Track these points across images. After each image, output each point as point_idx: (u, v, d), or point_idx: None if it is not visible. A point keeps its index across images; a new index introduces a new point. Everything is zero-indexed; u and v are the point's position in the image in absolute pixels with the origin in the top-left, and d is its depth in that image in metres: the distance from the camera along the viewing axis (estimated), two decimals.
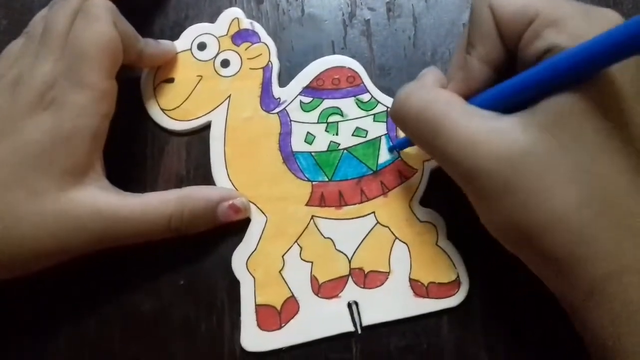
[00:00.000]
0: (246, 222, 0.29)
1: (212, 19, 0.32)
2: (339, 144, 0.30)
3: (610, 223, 0.20)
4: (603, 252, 0.20)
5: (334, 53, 0.32)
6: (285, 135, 0.30)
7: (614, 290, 0.19)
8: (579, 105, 0.20)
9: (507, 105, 0.22)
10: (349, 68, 0.31)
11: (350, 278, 0.29)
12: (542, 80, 0.20)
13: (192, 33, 0.32)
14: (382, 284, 0.28)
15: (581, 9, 0.21)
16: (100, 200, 0.26)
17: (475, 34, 0.23)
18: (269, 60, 0.31)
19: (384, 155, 0.30)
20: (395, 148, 0.30)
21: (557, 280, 0.22)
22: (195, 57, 0.31)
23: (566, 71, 0.19)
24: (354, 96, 0.31)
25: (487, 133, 0.21)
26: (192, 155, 0.31)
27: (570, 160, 0.20)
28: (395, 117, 0.25)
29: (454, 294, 0.28)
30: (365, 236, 0.29)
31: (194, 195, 0.28)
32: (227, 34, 0.32)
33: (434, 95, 0.23)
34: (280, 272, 0.29)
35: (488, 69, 0.23)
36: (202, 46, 0.31)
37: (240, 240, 0.29)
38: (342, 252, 0.29)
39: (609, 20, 0.21)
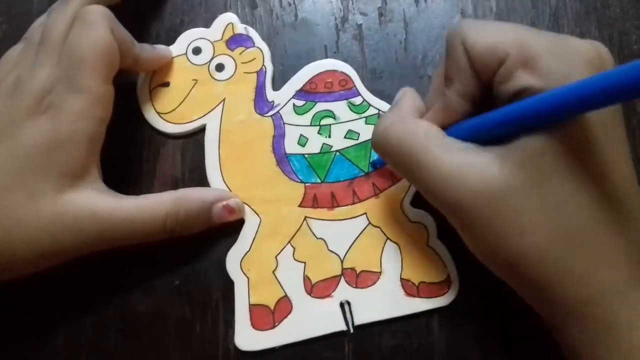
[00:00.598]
0: (240, 223, 0.30)
1: (207, 24, 0.33)
2: (332, 146, 0.31)
3: (582, 252, 0.21)
4: (577, 278, 0.21)
5: (326, 57, 0.32)
6: (278, 138, 0.31)
7: (591, 313, 0.21)
8: (552, 146, 0.21)
9: (484, 138, 0.23)
10: (342, 72, 0.32)
11: (342, 278, 0.29)
12: (516, 119, 0.21)
13: (188, 38, 0.32)
14: (374, 283, 0.29)
15: (553, 44, 0.21)
16: (96, 203, 0.26)
17: (451, 70, 0.23)
18: (263, 65, 0.32)
19: (376, 157, 0.30)
20: (376, 165, 0.30)
21: (537, 304, 0.23)
22: (190, 62, 0.32)
23: (539, 114, 0.20)
24: (346, 99, 0.31)
25: (466, 167, 0.22)
26: (187, 157, 0.31)
27: (542, 197, 0.21)
28: (376, 148, 0.26)
29: (444, 294, 0.28)
30: (357, 237, 0.29)
31: (188, 196, 0.29)
32: (221, 39, 0.32)
33: (413, 127, 0.24)
34: (273, 272, 0.29)
35: (466, 102, 0.23)
36: (197, 51, 0.32)
37: (234, 241, 0.30)
38: (334, 253, 0.29)
39: (582, 55, 0.21)
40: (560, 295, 0.21)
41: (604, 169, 0.21)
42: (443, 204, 0.23)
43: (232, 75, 0.32)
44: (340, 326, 0.28)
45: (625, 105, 0.29)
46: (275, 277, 0.29)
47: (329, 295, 0.29)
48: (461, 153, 0.22)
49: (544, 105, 0.20)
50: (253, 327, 0.28)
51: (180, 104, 0.31)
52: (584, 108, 0.19)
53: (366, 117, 0.31)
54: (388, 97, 0.31)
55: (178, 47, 0.32)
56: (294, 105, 0.31)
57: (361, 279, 0.29)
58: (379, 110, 0.31)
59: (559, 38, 0.22)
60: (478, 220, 0.22)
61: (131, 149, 0.31)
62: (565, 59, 0.21)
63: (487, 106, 0.23)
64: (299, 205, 0.30)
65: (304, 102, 0.31)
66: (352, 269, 0.29)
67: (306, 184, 0.30)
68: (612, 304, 0.21)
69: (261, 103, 0.31)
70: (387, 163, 0.26)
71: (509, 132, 0.21)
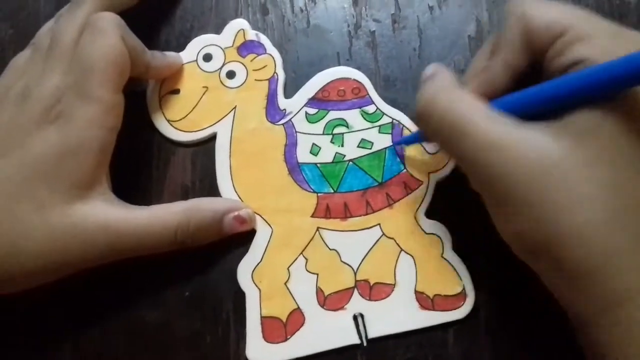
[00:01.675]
0: (252, 233, 0.29)
1: (217, 30, 0.32)
2: (345, 156, 0.30)
3: (631, 240, 0.20)
4: (625, 267, 0.19)
5: (339, 64, 0.32)
6: (290, 147, 0.30)
7: (630, 310, 0.19)
8: (611, 120, 0.20)
9: (529, 113, 0.22)
10: (355, 79, 0.31)
11: (355, 290, 0.29)
12: (573, 90, 0.20)
13: (198, 44, 0.32)
14: (388, 296, 0.28)
15: (612, 29, 0.22)
16: (106, 214, 0.26)
17: (503, 39, 0.24)
18: (275, 72, 0.31)
19: (390, 167, 0.30)
20: (400, 143, 0.30)
21: (570, 293, 0.21)
22: (200, 69, 0.31)
23: (598, 85, 0.20)
24: (360, 108, 0.31)
25: (516, 140, 0.21)
26: (197, 166, 0.31)
27: (600, 174, 0.20)
28: (420, 118, 0.25)
29: (459, 307, 0.28)
30: (371, 248, 0.29)
31: (200, 207, 0.28)
32: (232, 46, 0.32)
33: (458, 97, 0.23)
34: (285, 283, 0.29)
35: (509, 74, 0.23)
36: (207, 57, 0.32)
37: (245, 252, 0.29)
38: (347, 264, 0.29)
39: (636, 39, 0.21)
40: (601, 284, 0.20)
41: None
42: (485, 177, 0.22)
43: (244, 83, 0.31)
44: (354, 339, 0.28)
45: None
46: (287, 288, 0.29)
47: (342, 308, 0.28)
48: (508, 125, 0.22)
49: (603, 75, 0.19)
50: (265, 339, 0.28)
51: (191, 111, 0.31)
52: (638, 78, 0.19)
53: (379, 126, 0.30)
54: (402, 106, 0.31)
55: (188, 54, 0.32)
56: (306, 113, 0.31)
57: (375, 291, 0.28)
58: (393, 119, 0.30)
59: (618, 27, 0.22)
60: (524, 193, 0.21)
61: (141, 157, 0.31)
62: (622, 42, 0.21)
63: (528, 83, 0.23)
64: (312, 216, 0.29)
65: (316, 110, 0.31)
66: (366, 280, 0.29)
67: (319, 194, 0.30)
68: None
69: (273, 111, 0.31)
70: (428, 134, 0.26)
71: (561, 105, 0.21)
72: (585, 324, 0.21)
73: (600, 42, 0.21)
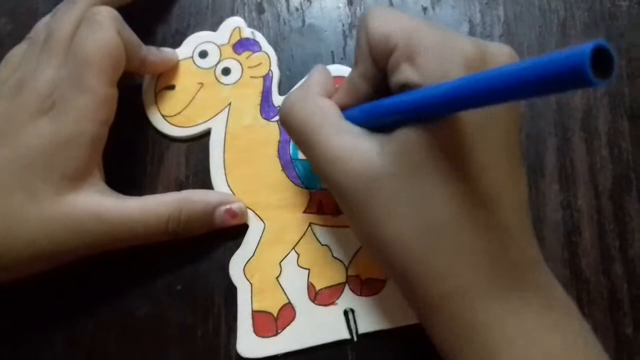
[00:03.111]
0: (244, 228, 0.30)
1: (213, 27, 0.32)
2: None
3: (445, 248, 0.21)
4: (439, 272, 0.21)
5: (333, 63, 0.32)
6: (284, 143, 0.31)
7: (452, 309, 0.21)
8: (426, 139, 0.21)
9: (374, 125, 0.23)
10: None
11: (346, 285, 0.29)
12: (394, 111, 0.22)
13: (194, 41, 0.32)
14: (379, 292, 0.29)
15: (440, 42, 0.21)
16: (98, 203, 0.26)
17: (357, 52, 0.25)
18: (270, 69, 0.32)
19: None
20: None
21: (405, 292, 0.24)
22: (196, 65, 0.32)
23: (409, 108, 0.21)
24: None
25: (351, 151, 0.23)
26: (191, 161, 0.31)
27: (412, 188, 0.21)
28: (281, 123, 0.26)
29: None
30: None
31: (192, 198, 0.28)
32: (228, 43, 0.32)
33: (314, 107, 0.25)
34: (277, 278, 0.29)
35: (366, 84, 0.24)
36: (203, 54, 0.32)
37: (237, 246, 0.29)
38: (339, 260, 0.29)
39: (462, 56, 0.21)
40: (423, 288, 0.22)
41: (474, 170, 0.21)
42: (330, 185, 0.24)
43: (239, 80, 0.31)
44: (344, 334, 0.28)
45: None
46: (279, 283, 0.29)
47: (333, 303, 0.28)
48: (350, 136, 0.23)
49: (413, 101, 0.20)
50: (255, 333, 0.28)
51: (186, 107, 0.31)
52: (448, 108, 0.19)
53: None
54: None
55: (184, 50, 0.32)
56: None
57: (366, 287, 0.29)
58: None
59: (447, 36, 0.22)
60: (356, 203, 0.23)
61: (135, 151, 0.31)
62: (445, 58, 0.21)
63: (388, 93, 0.23)
64: (304, 211, 0.30)
65: None
66: (357, 276, 0.29)
67: (311, 190, 0.30)
68: (471, 303, 0.21)
69: (267, 108, 0.31)
70: (292, 139, 0.27)
71: (393, 121, 0.22)
72: (421, 319, 0.23)
73: (422, 62, 0.21)
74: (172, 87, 0.31)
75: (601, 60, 0.13)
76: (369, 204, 0.22)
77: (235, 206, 0.29)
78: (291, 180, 0.30)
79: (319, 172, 0.24)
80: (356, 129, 0.23)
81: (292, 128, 0.25)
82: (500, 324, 0.21)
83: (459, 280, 0.21)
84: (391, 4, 0.33)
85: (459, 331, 0.21)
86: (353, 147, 0.23)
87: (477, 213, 0.21)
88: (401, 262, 0.22)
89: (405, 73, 0.21)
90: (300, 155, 0.30)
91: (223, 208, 0.29)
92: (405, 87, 0.21)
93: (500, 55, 0.22)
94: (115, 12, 0.27)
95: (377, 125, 0.23)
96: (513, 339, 0.21)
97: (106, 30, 0.26)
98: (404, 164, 0.21)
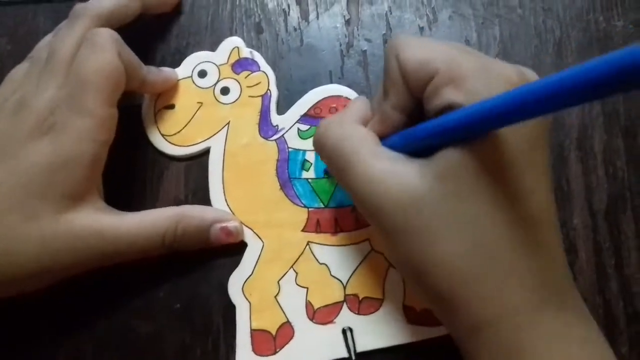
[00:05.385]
0: (242, 246, 0.30)
1: (212, 47, 0.33)
2: None
3: (491, 269, 0.21)
4: (483, 294, 0.21)
5: (331, 82, 0.32)
6: (282, 162, 0.31)
7: (494, 333, 0.21)
8: (470, 160, 0.21)
9: (413, 150, 0.23)
10: (346, 97, 0.32)
11: (345, 304, 0.29)
12: (438, 133, 0.22)
13: (193, 61, 0.33)
14: (377, 310, 0.29)
15: (481, 66, 0.22)
16: (97, 220, 0.27)
17: (386, 82, 0.24)
18: (268, 89, 0.32)
19: None
20: (328, 172, 0.31)
21: (441, 317, 0.24)
22: (195, 85, 0.32)
23: (456, 127, 0.21)
24: None
25: (390, 175, 0.23)
26: (190, 180, 0.31)
27: (457, 210, 0.21)
28: (315, 147, 0.27)
29: None
30: (360, 263, 0.29)
31: (189, 213, 0.29)
32: (227, 63, 0.32)
33: (350, 131, 0.25)
34: (275, 297, 0.29)
35: (400, 114, 0.24)
36: (202, 74, 0.32)
37: (236, 265, 0.30)
38: (337, 278, 0.29)
39: (504, 79, 0.22)
40: (465, 310, 0.21)
41: (520, 191, 0.21)
42: (366, 208, 0.24)
43: (237, 99, 0.32)
44: (342, 353, 0.28)
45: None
46: (277, 302, 0.29)
47: (331, 322, 0.29)
48: (389, 161, 0.23)
49: (459, 119, 0.20)
50: (254, 352, 0.28)
51: (185, 126, 0.31)
52: (494, 122, 0.20)
53: None
54: None
55: (184, 70, 0.32)
56: (298, 129, 0.31)
57: (364, 305, 0.29)
58: None
59: (487, 61, 0.22)
60: (395, 226, 0.22)
61: (135, 170, 0.31)
62: (489, 80, 0.21)
63: (423, 118, 0.23)
64: (302, 230, 0.30)
65: (308, 126, 0.31)
66: (355, 295, 0.29)
67: (309, 209, 0.30)
68: (517, 327, 0.21)
69: (266, 127, 0.31)
70: (324, 162, 0.27)
71: (434, 145, 0.22)
72: (459, 343, 0.23)
73: (467, 84, 0.21)
74: (172, 107, 0.32)
75: None
76: (411, 226, 0.22)
77: (230, 225, 0.29)
78: (289, 199, 0.30)
79: (354, 193, 0.24)
80: (394, 154, 0.23)
81: (326, 148, 0.25)
82: (546, 347, 0.21)
83: (505, 302, 0.21)
84: (388, 24, 0.33)
85: (504, 354, 0.21)
86: (393, 169, 0.23)
87: (525, 235, 0.21)
88: (443, 284, 0.22)
89: (448, 96, 0.21)
90: (298, 175, 0.31)
91: (218, 226, 0.29)
92: (447, 110, 0.22)
93: (534, 77, 0.23)
94: (115, 34, 0.28)
95: (414, 149, 0.23)
96: None
97: (106, 52, 0.27)
98: (449, 185, 0.21)
